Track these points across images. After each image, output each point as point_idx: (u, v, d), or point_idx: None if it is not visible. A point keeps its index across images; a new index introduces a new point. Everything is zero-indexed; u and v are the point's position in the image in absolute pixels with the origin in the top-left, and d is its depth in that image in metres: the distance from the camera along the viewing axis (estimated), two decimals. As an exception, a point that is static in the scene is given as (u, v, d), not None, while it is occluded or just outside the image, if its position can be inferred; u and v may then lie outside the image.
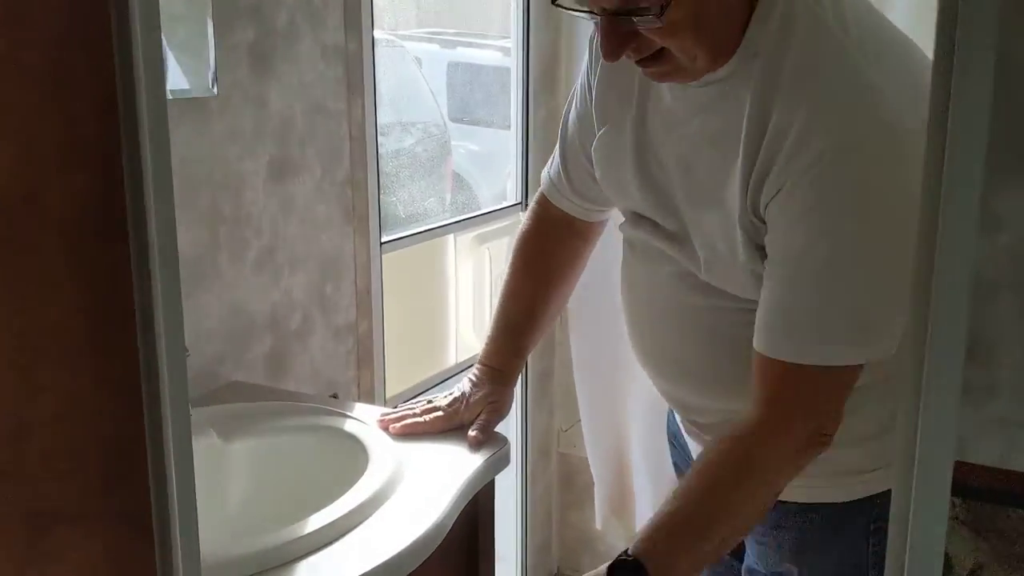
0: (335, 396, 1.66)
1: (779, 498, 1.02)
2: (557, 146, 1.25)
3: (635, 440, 2.27)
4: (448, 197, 2.30)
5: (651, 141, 1.04)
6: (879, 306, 0.92)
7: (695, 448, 1.19)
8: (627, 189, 1.09)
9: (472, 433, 1.21)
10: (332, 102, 1.58)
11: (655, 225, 1.08)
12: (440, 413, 1.24)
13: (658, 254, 1.09)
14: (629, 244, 1.16)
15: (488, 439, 1.21)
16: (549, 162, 1.29)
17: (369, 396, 1.73)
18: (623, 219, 1.16)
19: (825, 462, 0.99)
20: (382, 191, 1.70)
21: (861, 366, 0.94)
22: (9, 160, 0.52)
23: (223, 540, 1.10)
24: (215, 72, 1.30)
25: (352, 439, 1.19)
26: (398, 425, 1.22)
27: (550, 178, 1.27)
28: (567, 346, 2.36)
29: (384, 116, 2.07)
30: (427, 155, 2.21)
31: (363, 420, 1.23)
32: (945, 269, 0.45)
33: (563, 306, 1.40)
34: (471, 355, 2.09)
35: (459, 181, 2.42)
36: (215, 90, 1.29)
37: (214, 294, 1.39)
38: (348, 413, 1.25)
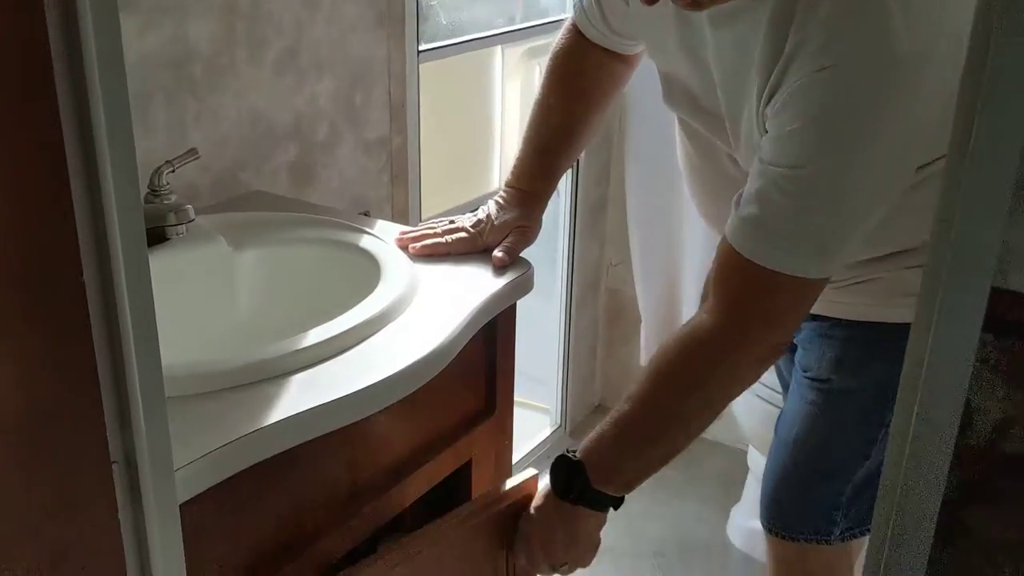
0: (366, 214, 1.59)
1: (828, 314, 1.07)
2: None
3: (688, 279, 2.19)
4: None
5: (692, 20, 1.00)
6: (850, 226, 0.92)
7: None
8: (669, 53, 1.06)
9: (497, 254, 1.13)
10: None
11: (693, 100, 1.06)
12: (463, 234, 1.17)
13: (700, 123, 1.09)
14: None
15: (513, 262, 1.13)
16: None
17: (403, 216, 1.66)
18: None
19: (880, 283, 1.02)
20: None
21: (820, 284, 0.94)
22: None
23: (227, 349, 1.07)
24: None
25: (366, 255, 1.12)
26: (418, 245, 1.15)
27: (583, 8, 1.17)
28: (622, 177, 2.24)
29: None
30: None
31: (381, 237, 1.16)
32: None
33: (599, 128, 1.30)
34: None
35: None
36: None
37: (231, 95, 1.30)
38: (366, 229, 1.17)
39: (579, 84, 1.21)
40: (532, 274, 1.13)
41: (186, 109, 1.24)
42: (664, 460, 1.04)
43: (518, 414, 2.44)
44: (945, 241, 0.34)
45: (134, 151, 0.59)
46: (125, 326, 0.59)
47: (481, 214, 1.19)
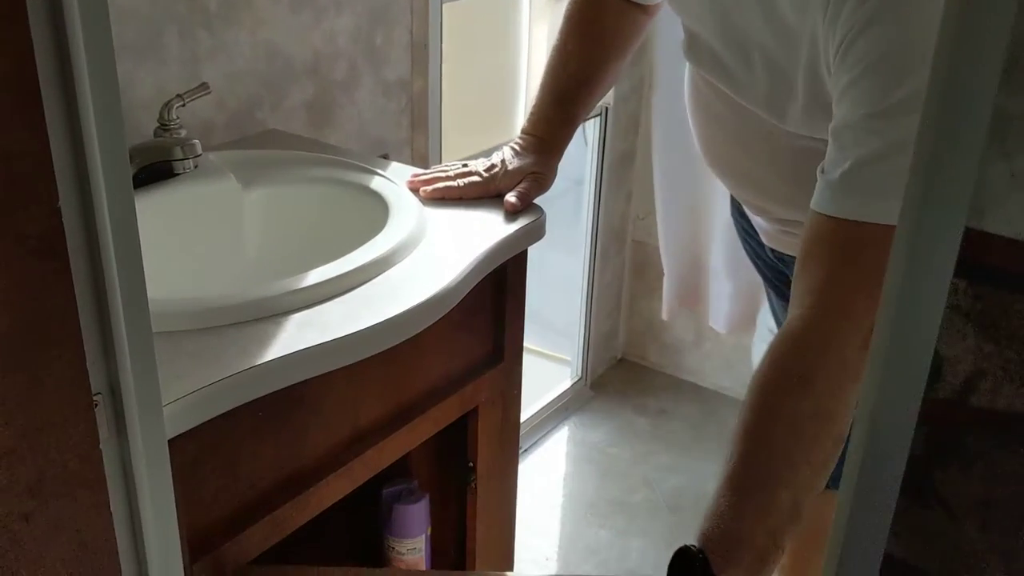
0: (385, 157, 1.56)
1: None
2: None
3: (713, 234, 2.15)
4: None
5: None
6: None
7: (760, 225, 1.18)
8: (692, 9, 1.02)
9: (510, 199, 1.10)
10: None
11: (719, 63, 1.02)
12: (476, 178, 1.14)
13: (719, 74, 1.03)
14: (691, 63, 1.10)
15: (524, 208, 1.11)
16: None
17: (423, 161, 1.63)
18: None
19: None
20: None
21: None
22: None
23: (229, 286, 1.06)
24: None
25: (376, 196, 1.10)
26: (429, 188, 1.13)
27: None
28: (649, 130, 2.19)
29: None
30: None
31: (392, 179, 1.14)
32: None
33: (617, 76, 1.27)
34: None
35: None
36: None
37: (246, 30, 1.27)
38: (377, 170, 1.15)
39: (597, 31, 1.18)
40: (544, 221, 1.11)
41: (200, 43, 1.22)
42: (795, 508, 0.78)
43: (539, 365, 2.45)
44: (917, 175, 0.31)
45: (114, 66, 0.56)
46: (107, 252, 0.58)
47: (495, 159, 1.16)
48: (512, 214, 1.10)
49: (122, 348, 0.60)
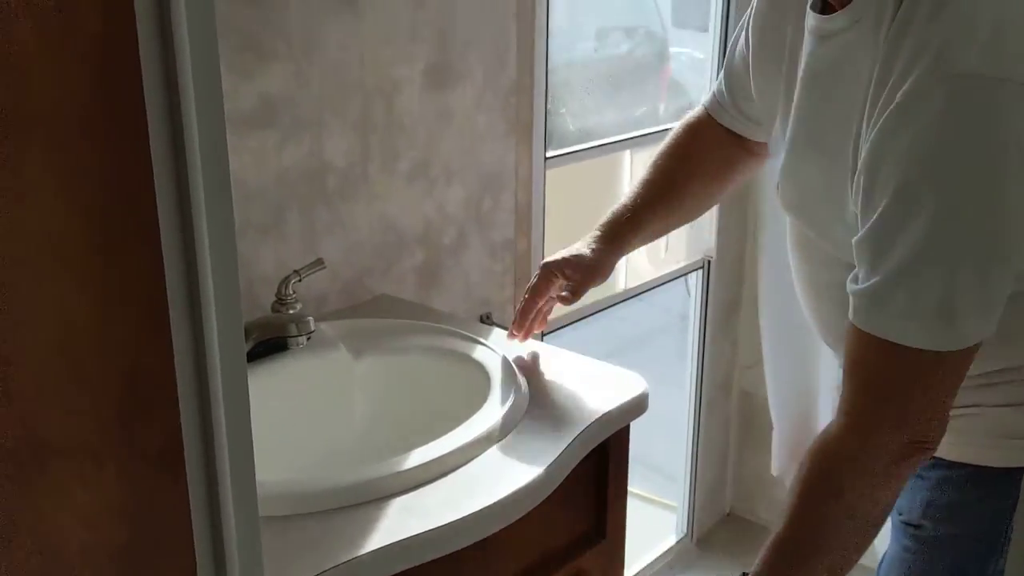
0: (488, 316, 1.60)
1: None
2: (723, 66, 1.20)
3: (823, 386, 2.08)
4: (662, 106, 2.15)
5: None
6: (976, 277, 0.80)
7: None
8: (778, 119, 1.04)
9: (562, 294, 1.17)
10: (499, 2, 1.47)
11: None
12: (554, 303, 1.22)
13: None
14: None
15: (575, 301, 1.18)
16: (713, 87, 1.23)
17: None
18: None
19: (979, 419, 0.93)
20: (555, 101, 1.58)
21: (955, 362, 0.82)
22: None
23: (336, 464, 1.08)
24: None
25: (479, 367, 1.12)
26: (524, 329, 1.20)
27: (715, 89, 1.20)
28: (755, 278, 2.18)
29: (600, 20, 1.94)
30: (642, 61, 2.08)
31: (495, 349, 1.16)
32: None
33: (700, 202, 1.28)
34: (642, 282, 1.96)
35: (678, 88, 2.26)
36: (362, -11, 1.22)
37: (363, 204, 1.35)
38: (482, 340, 1.18)
39: (690, 151, 1.21)
40: (646, 397, 1.10)
41: (318, 219, 1.29)
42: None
43: (642, 510, 2.37)
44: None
45: (238, 293, 0.59)
46: (223, 465, 0.61)
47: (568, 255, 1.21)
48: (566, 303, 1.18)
49: (232, 559, 0.62)
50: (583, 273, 1.16)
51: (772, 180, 1.26)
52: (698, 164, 1.22)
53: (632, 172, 1.85)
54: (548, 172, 1.63)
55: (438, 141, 1.43)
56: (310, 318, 1.09)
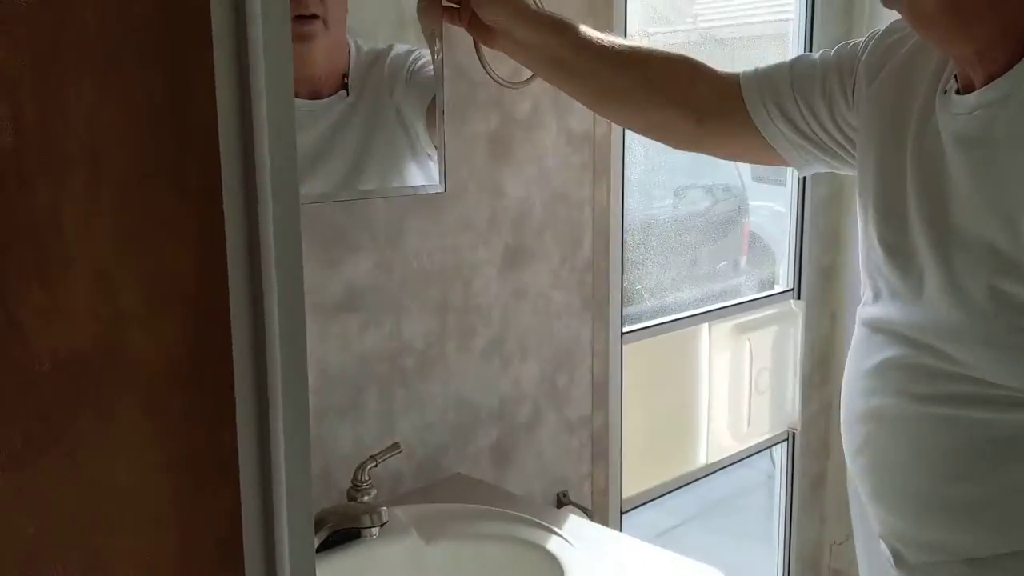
0: (565, 494, 1.58)
1: None
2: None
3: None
4: (743, 259, 2.17)
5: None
6: None
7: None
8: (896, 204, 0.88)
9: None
10: (575, 188, 1.53)
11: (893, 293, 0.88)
12: None
13: (889, 336, 0.87)
14: (867, 327, 0.94)
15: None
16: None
17: (603, 496, 1.63)
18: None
19: None
20: (631, 267, 1.60)
21: None
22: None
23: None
24: (445, 168, 1.30)
25: (552, 560, 1.10)
26: None
27: (760, 70, 1.06)
28: (841, 452, 2.10)
29: (678, 180, 2.00)
30: (722, 217, 2.11)
31: (568, 539, 1.13)
32: None
33: (611, 97, 1.11)
34: (724, 456, 1.91)
35: (758, 241, 2.28)
36: (443, 187, 1.29)
37: (439, 383, 1.37)
38: (555, 529, 1.16)
39: (673, 60, 1.08)
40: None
41: (396, 399, 1.32)
42: None
43: None
44: None
45: (309, 491, 0.60)
46: None
47: None
48: None
49: None
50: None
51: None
52: (665, 70, 1.08)
53: (711, 345, 1.84)
54: (625, 347, 1.64)
55: (513, 319, 1.46)
56: (383, 508, 1.10)
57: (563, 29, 1.07)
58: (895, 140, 0.89)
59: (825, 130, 1.01)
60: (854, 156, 0.99)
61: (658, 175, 1.93)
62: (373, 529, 1.09)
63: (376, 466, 1.16)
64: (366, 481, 1.14)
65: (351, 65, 1.15)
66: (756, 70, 1.05)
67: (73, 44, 0.42)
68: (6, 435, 0.44)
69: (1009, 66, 0.76)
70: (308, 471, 0.56)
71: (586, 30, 1.08)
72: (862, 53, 0.98)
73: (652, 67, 1.06)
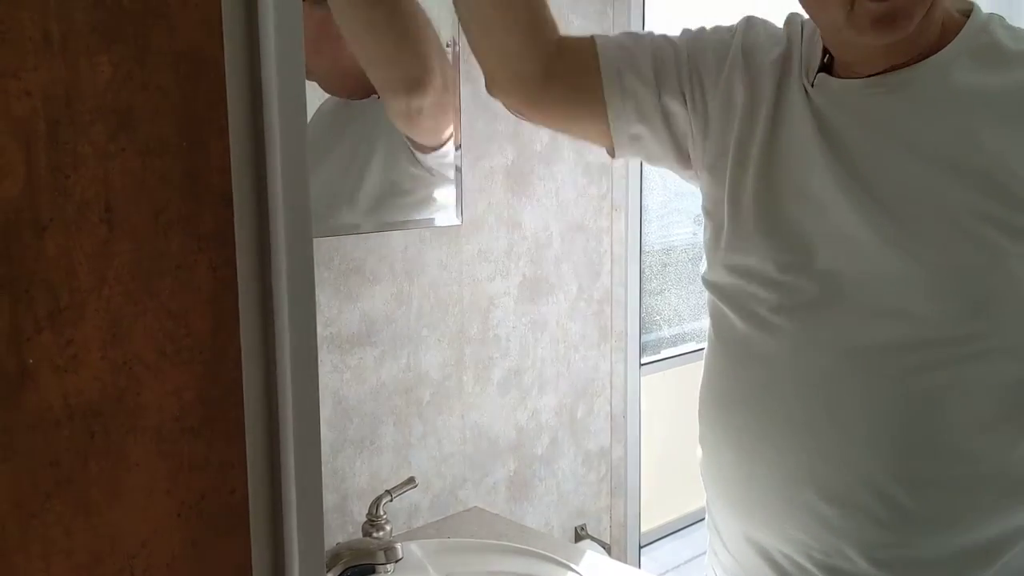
0: (583, 527, 1.56)
1: None
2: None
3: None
4: None
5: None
6: None
7: None
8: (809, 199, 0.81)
9: None
10: (592, 220, 1.53)
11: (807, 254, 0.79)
12: None
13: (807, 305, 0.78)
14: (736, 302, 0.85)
15: None
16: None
17: (621, 528, 1.61)
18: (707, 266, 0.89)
19: None
20: (649, 296, 1.60)
21: None
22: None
23: None
24: (462, 200, 1.30)
25: (569, 598, 1.08)
26: None
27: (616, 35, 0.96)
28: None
29: (697, 206, 2.00)
30: None
31: (583, 574, 1.12)
32: None
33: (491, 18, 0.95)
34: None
35: None
36: (462, 219, 1.29)
37: (456, 416, 1.37)
38: (572, 566, 1.14)
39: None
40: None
41: (412, 431, 1.31)
42: None
43: None
44: None
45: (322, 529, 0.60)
46: None
47: None
48: None
49: None
50: None
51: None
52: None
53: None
54: (643, 378, 1.63)
55: (531, 350, 1.46)
56: (398, 545, 1.09)
57: None
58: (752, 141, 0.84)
59: (672, 119, 0.90)
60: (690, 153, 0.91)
61: (678, 202, 1.92)
62: (388, 565, 1.08)
63: (391, 500, 1.15)
64: (381, 516, 1.13)
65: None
66: (609, 37, 0.94)
67: (87, 93, 0.43)
68: (17, 481, 0.44)
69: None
70: (320, 520, 0.56)
71: None
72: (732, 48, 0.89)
73: None
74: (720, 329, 0.88)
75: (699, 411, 0.91)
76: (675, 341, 1.78)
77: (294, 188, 0.51)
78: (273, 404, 0.50)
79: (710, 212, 0.89)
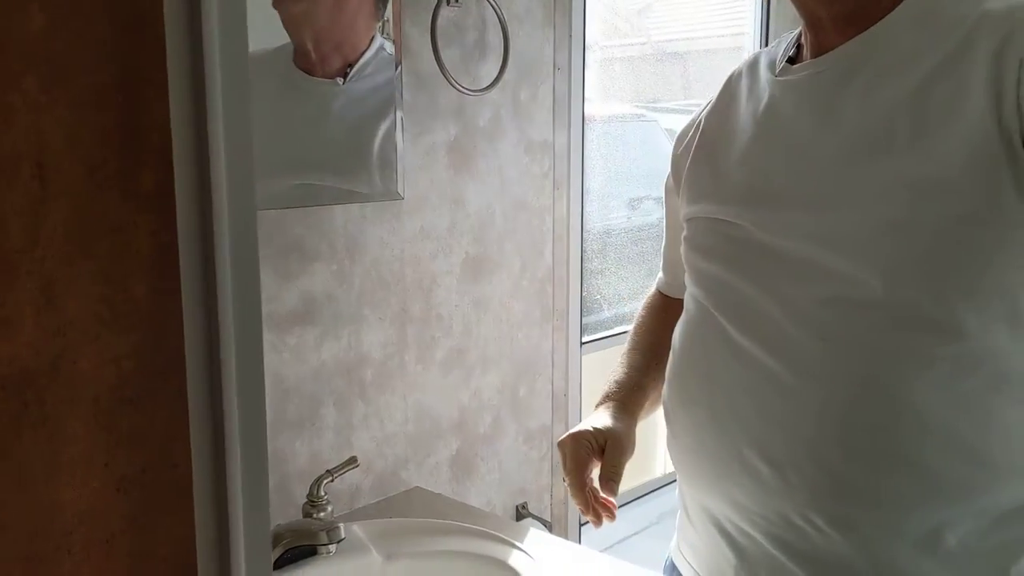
0: (524, 506, 1.56)
1: None
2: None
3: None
4: None
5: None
6: None
7: None
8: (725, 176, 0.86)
9: (605, 497, 0.93)
10: (535, 198, 1.52)
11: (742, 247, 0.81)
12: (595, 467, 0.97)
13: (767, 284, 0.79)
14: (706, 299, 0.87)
15: (618, 480, 0.95)
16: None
17: (562, 507, 1.62)
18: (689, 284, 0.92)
19: None
20: (590, 277, 1.60)
21: None
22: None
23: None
24: (405, 175, 1.28)
25: (512, 573, 1.08)
26: (602, 516, 0.95)
27: (663, 282, 1.12)
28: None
29: (633, 190, 2.01)
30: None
31: (529, 552, 1.12)
32: None
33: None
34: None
35: None
36: (404, 194, 1.27)
37: (398, 396, 1.35)
38: (517, 544, 1.14)
39: (666, 318, 1.05)
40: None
41: (354, 412, 1.29)
42: None
43: None
44: None
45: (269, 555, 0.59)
46: None
47: (592, 434, 0.97)
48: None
49: None
50: (617, 445, 0.95)
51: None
52: (670, 323, 1.00)
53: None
54: (584, 357, 1.63)
55: (474, 329, 1.45)
56: (340, 525, 1.07)
57: (648, 386, 1.05)
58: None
59: None
60: None
61: (614, 186, 1.93)
62: (330, 546, 1.06)
63: (332, 481, 1.13)
64: (322, 496, 1.11)
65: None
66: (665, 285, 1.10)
67: (17, 41, 0.40)
68: (-57, 455, 0.42)
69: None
70: (266, 491, 0.54)
71: (640, 361, 1.08)
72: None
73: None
74: (687, 304, 0.91)
75: (664, 390, 0.91)
76: (617, 321, 1.79)
77: (237, 149, 0.49)
78: (216, 375, 0.48)
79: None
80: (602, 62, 1.97)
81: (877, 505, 0.72)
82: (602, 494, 0.92)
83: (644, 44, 2.19)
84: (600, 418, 0.99)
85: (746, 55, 2.14)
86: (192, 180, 0.48)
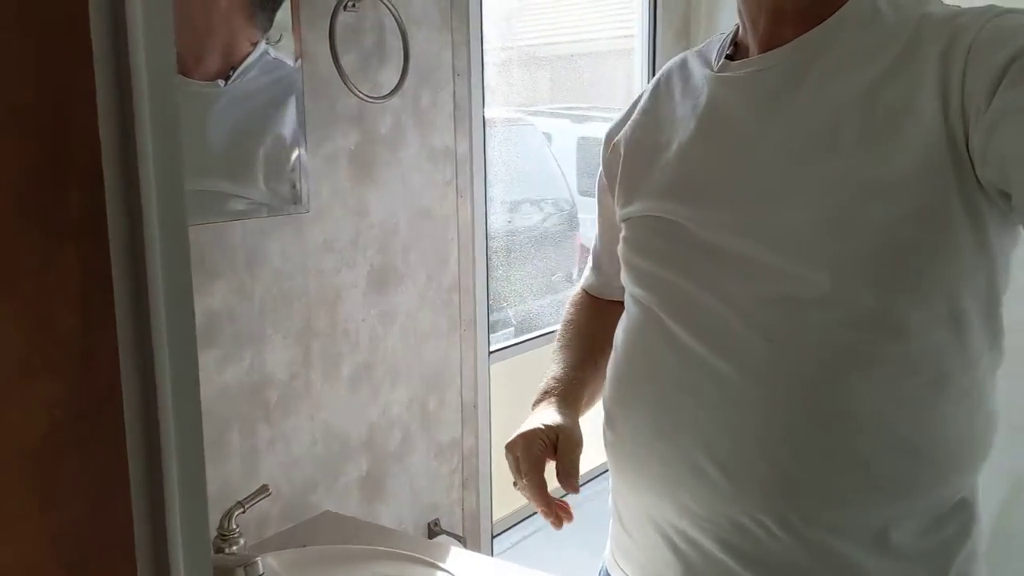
0: (436, 523, 1.53)
1: None
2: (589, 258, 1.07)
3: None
4: (575, 271, 2.20)
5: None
6: None
7: None
8: (658, 171, 0.85)
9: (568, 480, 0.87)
10: (439, 206, 1.49)
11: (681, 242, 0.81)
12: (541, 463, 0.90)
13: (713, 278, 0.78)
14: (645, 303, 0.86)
15: (576, 480, 0.88)
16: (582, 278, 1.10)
17: (474, 520, 1.59)
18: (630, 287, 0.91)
19: None
20: (496, 296, 1.58)
21: None
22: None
23: None
24: (305, 185, 1.23)
25: (440, 597, 1.05)
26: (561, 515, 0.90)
27: (588, 282, 1.08)
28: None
29: (513, 194, 2.00)
30: (555, 230, 2.14)
31: (450, 571, 1.09)
32: None
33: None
34: (592, 468, 1.92)
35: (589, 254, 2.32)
36: (308, 206, 1.22)
37: (304, 417, 1.29)
38: (438, 563, 1.11)
39: (592, 313, 1.05)
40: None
41: (260, 436, 1.23)
42: None
43: None
44: None
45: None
46: None
47: (541, 431, 0.90)
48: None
49: None
50: (570, 439, 0.89)
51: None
52: (602, 322, 1.01)
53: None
54: (492, 367, 1.61)
55: (381, 343, 1.41)
56: (258, 560, 1.01)
57: (587, 380, 1.00)
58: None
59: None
60: None
61: (493, 189, 1.92)
62: (247, 581, 1.00)
63: (244, 512, 1.07)
64: (234, 529, 1.05)
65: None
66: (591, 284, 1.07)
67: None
68: None
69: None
70: (207, 537, 0.50)
71: (575, 356, 1.02)
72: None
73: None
74: (628, 305, 0.88)
75: (604, 393, 0.89)
76: (501, 324, 1.77)
77: (167, 164, 0.44)
78: (152, 414, 0.43)
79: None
80: (500, 64, 1.95)
81: (826, 505, 0.72)
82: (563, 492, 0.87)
83: (508, 49, 2.19)
84: (547, 415, 0.93)
85: (636, 58, 2.18)
86: (122, 203, 0.43)
